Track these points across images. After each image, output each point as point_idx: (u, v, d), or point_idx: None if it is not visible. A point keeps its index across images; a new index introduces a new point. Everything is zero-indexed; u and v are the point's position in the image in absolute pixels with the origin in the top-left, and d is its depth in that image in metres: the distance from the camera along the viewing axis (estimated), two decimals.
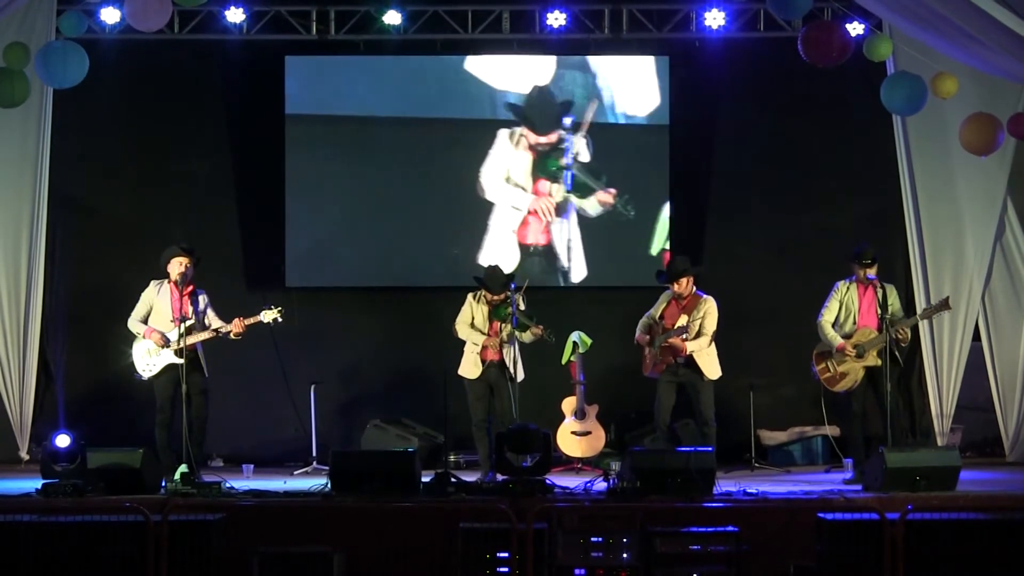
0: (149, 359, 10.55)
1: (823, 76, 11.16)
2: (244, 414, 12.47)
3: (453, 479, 9.67)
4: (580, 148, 12.70)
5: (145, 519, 7.99)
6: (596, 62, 12.73)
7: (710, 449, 9.93)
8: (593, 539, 8.46)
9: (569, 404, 11.79)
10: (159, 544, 7.96)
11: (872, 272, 10.57)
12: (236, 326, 10.55)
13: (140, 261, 11.46)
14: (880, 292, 10.52)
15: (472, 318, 10.89)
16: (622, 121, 12.73)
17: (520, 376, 10.72)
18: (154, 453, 10.19)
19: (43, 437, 10.69)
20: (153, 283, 10.65)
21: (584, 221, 12.73)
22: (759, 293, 12.64)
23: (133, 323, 10.61)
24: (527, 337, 10.74)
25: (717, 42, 12.45)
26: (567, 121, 12.72)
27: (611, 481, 9.52)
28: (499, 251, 12.58)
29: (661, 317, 10.86)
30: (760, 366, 12.43)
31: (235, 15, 12.27)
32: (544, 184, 12.73)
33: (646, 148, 12.73)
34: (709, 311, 10.75)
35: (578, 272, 12.74)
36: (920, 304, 11.88)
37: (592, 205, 12.72)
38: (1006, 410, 12.14)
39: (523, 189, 12.72)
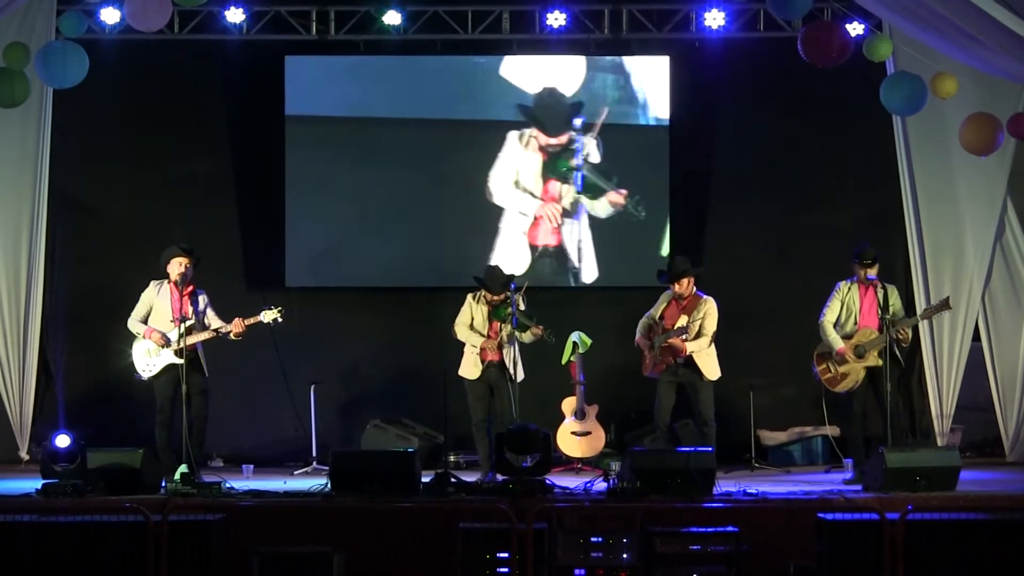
0: (149, 359, 10.55)
1: (823, 76, 11.15)
2: (244, 414, 12.47)
3: (453, 479, 9.67)
4: (591, 149, 12.70)
5: (145, 519, 7.99)
6: (630, 63, 12.71)
7: (710, 449, 9.93)
8: (593, 539, 8.45)
9: (569, 404, 11.79)
10: (159, 544, 7.96)
11: (873, 272, 10.56)
12: (236, 326, 10.55)
13: (140, 261, 11.46)
14: (881, 292, 10.52)
15: (471, 319, 10.89)
16: (645, 122, 12.73)
17: (520, 376, 10.72)
18: (154, 453, 10.19)
19: (43, 437, 10.68)
20: (153, 283, 10.65)
21: (595, 222, 12.72)
22: (759, 293, 12.64)
23: (133, 323, 10.62)
24: (527, 337, 10.74)
25: (717, 42, 12.45)
26: (577, 122, 12.71)
27: (611, 481, 9.52)
28: (510, 252, 12.60)
29: (661, 317, 10.86)
30: (760, 366, 12.43)
31: (235, 15, 12.27)
32: (554, 185, 12.72)
33: (645, 148, 12.74)
34: (709, 311, 10.75)
35: (589, 273, 12.74)
36: (920, 304, 11.88)
37: (603, 206, 12.71)
38: (1006, 410, 12.14)
39: (531, 194, 12.70)
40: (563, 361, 11.89)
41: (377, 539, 8.67)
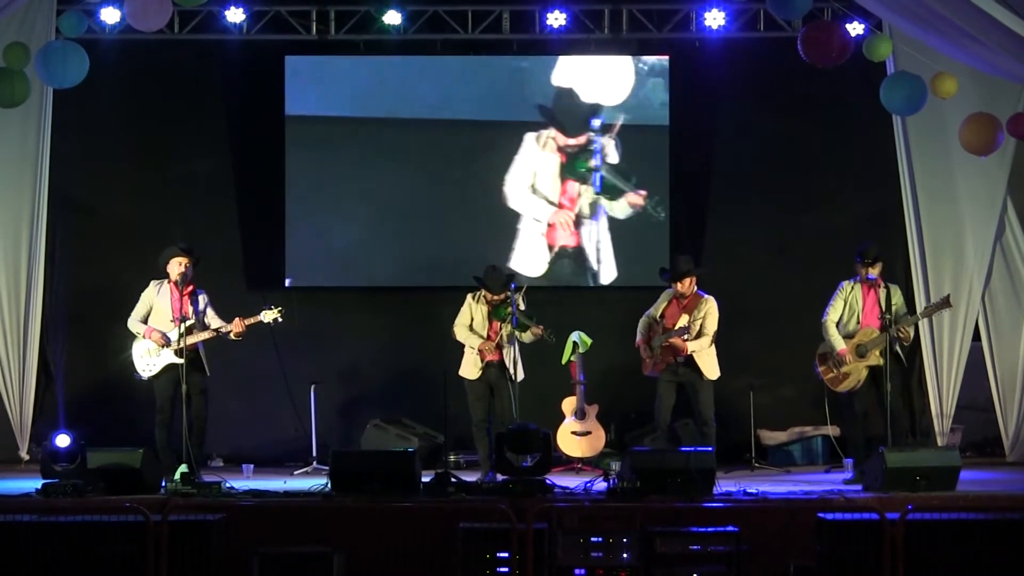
0: (149, 359, 10.55)
1: (823, 76, 11.15)
2: (244, 414, 12.47)
3: (453, 479, 9.67)
4: (609, 150, 12.69)
5: (145, 519, 7.99)
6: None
7: (710, 449, 9.93)
8: (593, 539, 8.45)
9: (569, 404, 11.79)
10: (159, 544, 7.97)
11: (875, 272, 10.55)
12: (236, 326, 10.56)
13: (140, 261, 11.45)
14: (884, 292, 10.52)
15: (471, 319, 10.89)
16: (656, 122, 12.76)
17: (520, 376, 10.72)
18: (154, 453, 10.19)
19: (43, 437, 10.68)
20: (153, 283, 10.65)
21: (614, 223, 12.72)
22: (759, 293, 12.64)
23: (133, 323, 10.62)
24: (527, 337, 10.75)
25: (717, 42, 12.45)
26: (596, 123, 12.71)
27: (611, 481, 9.52)
28: (528, 253, 12.64)
29: (661, 316, 10.87)
30: (760, 366, 12.43)
31: (235, 15, 12.27)
32: (572, 186, 12.72)
33: (645, 148, 12.75)
34: (710, 311, 10.75)
35: (608, 274, 12.74)
36: (920, 304, 11.88)
37: (622, 207, 12.70)
38: (1006, 410, 12.14)
39: (547, 200, 12.69)
40: (563, 361, 11.89)
41: (377, 539, 8.67)
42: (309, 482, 10.07)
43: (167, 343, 10.47)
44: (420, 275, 12.78)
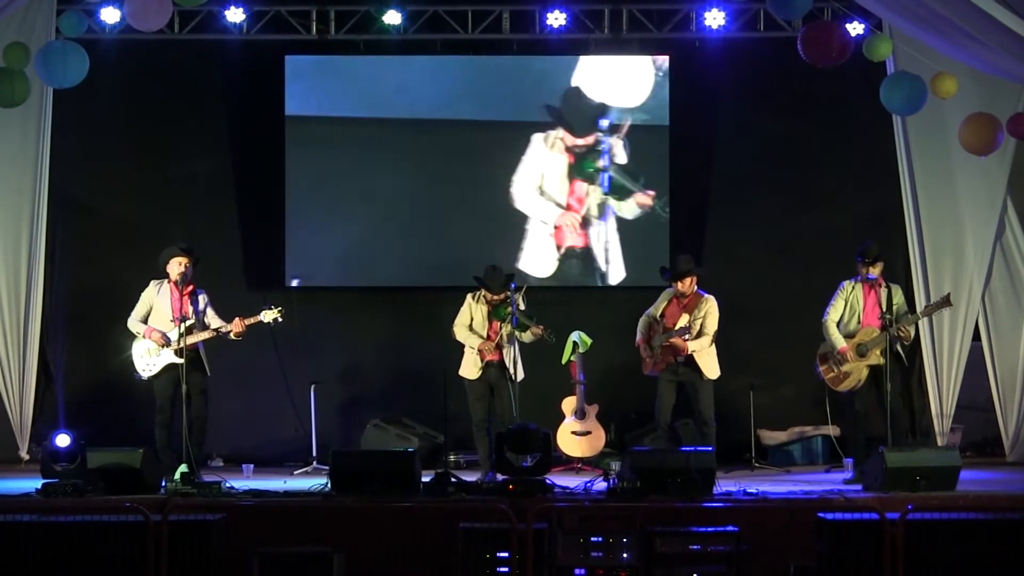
0: (149, 359, 10.55)
1: (823, 76, 11.15)
2: (244, 414, 12.47)
3: (453, 479, 9.67)
4: (617, 150, 12.69)
5: (145, 519, 7.99)
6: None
7: (710, 449, 9.93)
8: (593, 539, 8.45)
9: (569, 404, 11.79)
10: (159, 544, 7.97)
11: (875, 271, 10.55)
12: (236, 326, 10.56)
13: (140, 261, 11.44)
14: (885, 292, 10.52)
15: (471, 319, 10.89)
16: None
17: (520, 376, 10.72)
18: (154, 453, 10.19)
19: (43, 437, 10.67)
20: (153, 283, 10.65)
21: (623, 223, 12.72)
22: (759, 293, 12.64)
23: (133, 323, 10.62)
24: (527, 337, 10.75)
25: (717, 42, 12.45)
26: (604, 123, 12.71)
27: (611, 481, 9.52)
28: (537, 254, 12.65)
29: (662, 316, 10.87)
30: (760, 366, 12.43)
31: (235, 15, 12.27)
32: (580, 186, 12.72)
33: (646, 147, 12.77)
34: (710, 311, 10.76)
35: (616, 274, 12.74)
36: (920, 304, 11.88)
37: (630, 208, 12.70)
38: (1006, 410, 12.14)
39: (554, 202, 12.69)
40: (563, 361, 11.89)
41: (377, 539, 8.67)
42: (309, 482, 10.07)
43: (167, 343, 10.48)
44: (421, 275, 12.77)
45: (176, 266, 10.53)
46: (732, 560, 8.41)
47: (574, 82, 12.72)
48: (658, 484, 9.20)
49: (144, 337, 10.55)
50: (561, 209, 12.72)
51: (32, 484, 9.60)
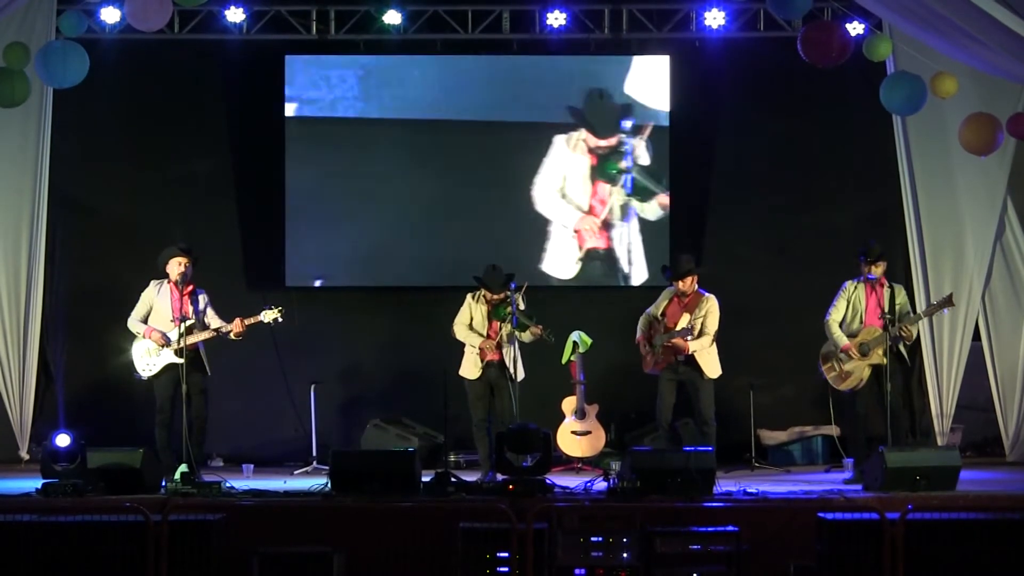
0: (149, 359, 10.55)
1: (823, 76, 11.15)
2: (244, 414, 12.47)
3: (453, 479, 9.67)
4: (640, 151, 12.69)
5: (145, 519, 7.99)
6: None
7: (710, 449, 9.93)
8: (593, 539, 8.45)
9: (569, 404, 11.79)
10: (159, 544, 7.97)
11: (877, 271, 10.55)
12: (236, 326, 10.56)
13: (140, 261, 11.44)
14: (888, 291, 10.52)
15: (471, 319, 10.89)
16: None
17: (520, 376, 10.72)
18: (154, 453, 10.19)
19: (43, 437, 10.67)
20: (153, 283, 10.65)
21: (645, 224, 12.71)
22: (759, 293, 12.64)
23: (133, 323, 10.62)
24: (527, 337, 10.74)
25: (717, 42, 12.45)
26: (627, 124, 12.71)
27: (611, 481, 9.52)
28: (561, 256, 12.67)
29: (662, 315, 10.87)
30: (760, 366, 12.43)
31: (235, 15, 12.27)
32: (603, 187, 12.72)
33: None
34: (711, 310, 10.76)
35: (639, 275, 12.72)
36: (921, 304, 11.88)
37: (653, 209, 12.70)
38: (1006, 410, 12.14)
39: (575, 205, 12.68)
40: (563, 361, 11.89)
41: (377, 539, 8.67)
42: (309, 482, 10.07)
43: (167, 343, 10.48)
44: (421, 275, 12.76)
45: (176, 266, 10.53)
46: (732, 560, 8.41)
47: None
48: (658, 484, 9.20)
49: (144, 337, 10.55)
50: (581, 212, 12.72)
51: (32, 484, 9.60)
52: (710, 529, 8.53)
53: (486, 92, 12.73)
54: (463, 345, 10.90)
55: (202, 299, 10.67)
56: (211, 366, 10.63)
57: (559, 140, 12.72)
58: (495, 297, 10.81)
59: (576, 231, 12.73)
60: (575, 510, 8.74)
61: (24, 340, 12.18)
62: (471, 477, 10.36)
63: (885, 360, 10.37)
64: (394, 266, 12.79)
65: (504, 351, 10.74)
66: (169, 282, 10.56)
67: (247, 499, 9.44)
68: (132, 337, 10.65)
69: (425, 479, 9.66)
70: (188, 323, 10.40)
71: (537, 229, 12.73)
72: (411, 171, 12.72)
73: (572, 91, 12.70)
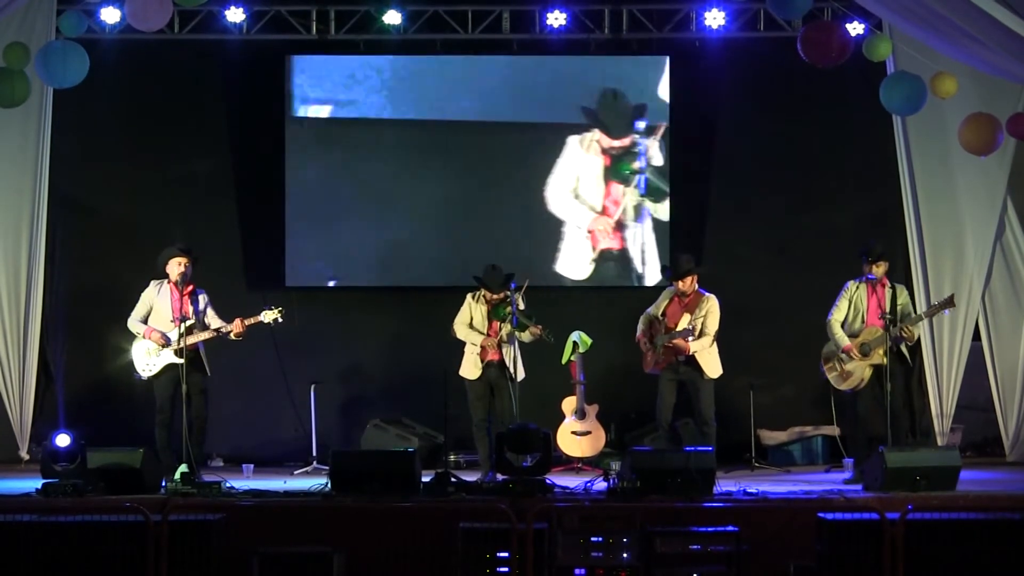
0: (149, 359, 10.55)
1: (823, 76, 11.15)
2: (244, 414, 12.47)
3: (453, 479, 9.67)
4: (654, 152, 12.69)
5: (145, 519, 7.99)
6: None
7: (710, 449, 9.93)
8: (593, 539, 8.45)
9: (569, 404, 11.79)
10: (159, 544, 7.97)
11: (879, 271, 10.54)
12: (236, 326, 10.56)
13: (140, 261, 11.44)
14: (889, 292, 10.52)
15: (471, 318, 10.89)
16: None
17: (520, 376, 10.72)
18: (154, 453, 10.19)
19: (43, 437, 10.68)
20: (153, 283, 10.65)
21: (659, 225, 12.71)
22: (759, 293, 12.64)
23: (133, 323, 10.62)
24: (527, 337, 10.74)
25: (717, 42, 12.46)
26: (640, 124, 12.70)
27: (611, 481, 9.51)
28: (575, 256, 12.67)
29: (663, 315, 10.87)
30: (760, 366, 12.42)
31: (235, 15, 12.27)
32: (616, 188, 12.72)
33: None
34: (711, 310, 10.76)
35: (653, 275, 12.71)
36: (921, 304, 11.88)
37: (666, 210, 12.69)
38: (1006, 410, 12.14)
39: (588, 206, 12.67)
40: (563, 361, 11.89)
41: (377, 539, 8.67)
42: (309, 482, 10.07)
43: (167, 343, 10.48)
44: (421, 275, 12.75)
45: (176, 266, 10.53)
46: (732, 560, 8.41)
47: (611, 83, 12.69)
48: (658, 484, 9.20)
49: (144, 337, 10.55)
50: (595, 213, 12.72)
51: (32, 484, 9.59)
52: (710, 529, 8.52)
53: (499, 93, 12.72)
54: (463, 345, 10.91)
55: (202, 299, 10.67)
56: (211, 366, 10.64)
57: (572, 140, 12.73)
58: (495, 297, 10.81)
59: (590, 232, 12.74)
60: (575, 510, 8.74)
61: (24, 340, 12.18)
62: (471, 477, 10.36)
63: (886, 360, 10.37)
64: (397, 266, 12.78)
65: (504, 351, 10.74)
66: (169, 282, 10.56)
67: (247, 499, 9.44)
68: (132, 337, 10.65)
69: (425, 479, 9.66)
70: (188, 323, 10.39)
71: (551, 230, 12.74)
72: (415, 172, 12.71)
73: (585, 91, 12.69)
